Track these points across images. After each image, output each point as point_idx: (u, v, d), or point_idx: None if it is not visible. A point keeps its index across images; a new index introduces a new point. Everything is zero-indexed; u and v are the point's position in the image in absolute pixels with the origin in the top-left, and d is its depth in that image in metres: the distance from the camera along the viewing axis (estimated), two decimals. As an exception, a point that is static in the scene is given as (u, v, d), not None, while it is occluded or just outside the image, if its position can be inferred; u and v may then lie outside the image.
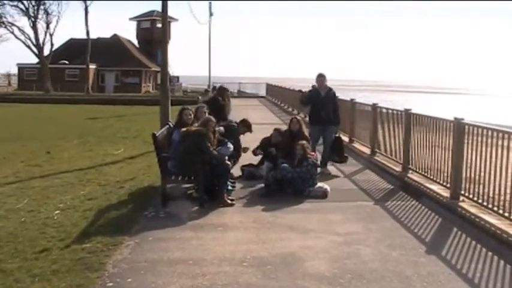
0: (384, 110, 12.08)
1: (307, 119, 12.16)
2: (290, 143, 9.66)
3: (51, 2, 57.14)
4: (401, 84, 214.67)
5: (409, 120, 10.10)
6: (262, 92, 48.39)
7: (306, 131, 10.46)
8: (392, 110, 11.55)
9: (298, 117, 10.55)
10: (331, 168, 11.22)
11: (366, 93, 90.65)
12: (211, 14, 47.67)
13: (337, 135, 11.26)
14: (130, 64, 64.03)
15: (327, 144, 11.12)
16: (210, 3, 47.16)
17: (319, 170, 10.00)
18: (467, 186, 7.69)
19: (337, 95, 11.77)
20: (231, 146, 8.95)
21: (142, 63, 65.73)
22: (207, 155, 8.12)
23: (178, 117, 9.30)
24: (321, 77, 11.20)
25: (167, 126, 9.69)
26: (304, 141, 9.46)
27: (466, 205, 7.55)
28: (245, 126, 10.35)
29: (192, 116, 9.22)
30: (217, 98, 11.90)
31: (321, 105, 11.03)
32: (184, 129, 8.47)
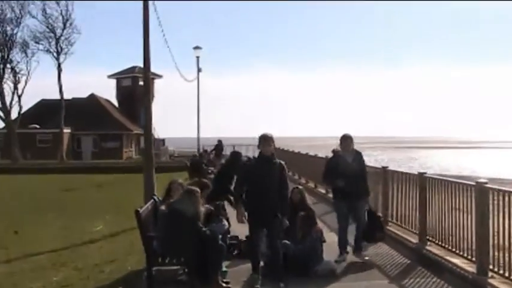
0: (396, 173, 12.13)
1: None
2: (292, 215, 9.62)
3: (18, 60, 57.51)
4: (413, 139, 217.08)
5: (424, 184, 10.12)
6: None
7: (310, 201, 10.41)
8: (405, 173, 11.60)
9: (300, 187, 10.53)
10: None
11: (379, 151, 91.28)
12: (199, 70, 47.97)
13: (367, 207, 10.41)
14: (109, 127, 64.43)
15: (361, 224, 10.07)
16: (198, 57, 47.49)
17: (348, 257, 9.76)
18: (496, 256, 7.61)
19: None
20: (225, 222, 8.92)
21: (123, 125, 66.21)
22: (198, 234, 8.07)
23: (166, 191, 9.31)
24: (347, 140, 10.10)
25: (152, 200, 9.68)
26: (304, 213, 9.44)
27: (496, 282, 7.46)
28: None
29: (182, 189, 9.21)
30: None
31: (348, 175, 9.86)
32: (169, 208, 8.42)
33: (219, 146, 37.46)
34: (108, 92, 78.12)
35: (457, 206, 8.85)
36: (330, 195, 17.89)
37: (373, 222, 10.18)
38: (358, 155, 10.17)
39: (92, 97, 68.86)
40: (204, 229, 8.19)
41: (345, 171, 9.87)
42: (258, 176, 8.35)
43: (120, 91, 70.32)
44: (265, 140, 8.43)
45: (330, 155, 10.88)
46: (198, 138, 50.93)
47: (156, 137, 53.79)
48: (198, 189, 8.66)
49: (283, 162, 8.61)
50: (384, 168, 12.76)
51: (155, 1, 17.16)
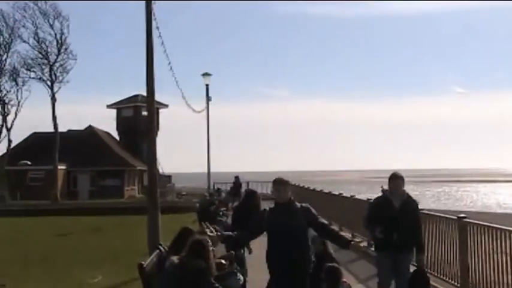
0: (432, 217, 12.02)
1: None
2: (314, 268, 9.53)
3: (8, 89, 57.42)
4: (439, 173, 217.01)
5: (465, 231, 10.00)
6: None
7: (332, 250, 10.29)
8: (442, 216, 11.50)
9: None
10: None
11: (412, 185, 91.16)
12: (209, 99, 47.78)
13: (416, 264, 9.87)
14: (109, 162, 64.46)
15: (403, 282, 9.35)
16: (208, 85, 47.32)
17: None
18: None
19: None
20: (240, 277, 8.85)
21: (125, 160, 66.30)
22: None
23: (177, 240, 9.19)
24: (397, 179, 9.39)
25: (157, 251, 9.61)
26: (332, 265, 9.35)
27: None
28: None
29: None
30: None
31: (392, 222, 9.17)
32: (177, 261, 8.36)
33: (236, 183, 37.65)
34: (107, 123, 78.54)
35: (503, 251, 8.77)
36: (356, 239, 17.81)
37: (418, 284, 9.32)
38: (411, 202, 9.46)
39: (90, 129, 69.05)
40: (216, 285, 8.11)
41: (388, 216, 9.23)
42: (274, 232, 7.79)
43: (121, 122, 70.48)
44: (280, 184, 7.93)
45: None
46: (209, 173, 50.48)
47: (161, 172, 53.87)
48: (208, 239, 8.61)
49: (306, 205, 8.13)
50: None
51: (158, 3, 17.28)
